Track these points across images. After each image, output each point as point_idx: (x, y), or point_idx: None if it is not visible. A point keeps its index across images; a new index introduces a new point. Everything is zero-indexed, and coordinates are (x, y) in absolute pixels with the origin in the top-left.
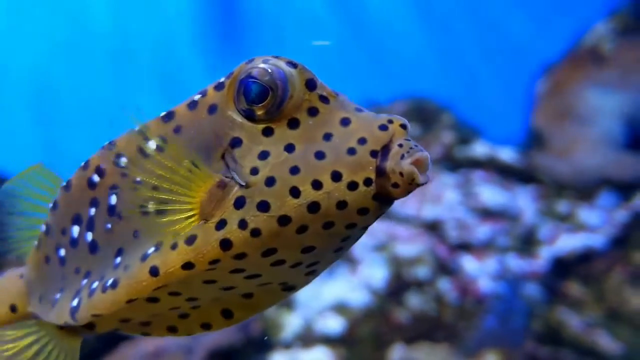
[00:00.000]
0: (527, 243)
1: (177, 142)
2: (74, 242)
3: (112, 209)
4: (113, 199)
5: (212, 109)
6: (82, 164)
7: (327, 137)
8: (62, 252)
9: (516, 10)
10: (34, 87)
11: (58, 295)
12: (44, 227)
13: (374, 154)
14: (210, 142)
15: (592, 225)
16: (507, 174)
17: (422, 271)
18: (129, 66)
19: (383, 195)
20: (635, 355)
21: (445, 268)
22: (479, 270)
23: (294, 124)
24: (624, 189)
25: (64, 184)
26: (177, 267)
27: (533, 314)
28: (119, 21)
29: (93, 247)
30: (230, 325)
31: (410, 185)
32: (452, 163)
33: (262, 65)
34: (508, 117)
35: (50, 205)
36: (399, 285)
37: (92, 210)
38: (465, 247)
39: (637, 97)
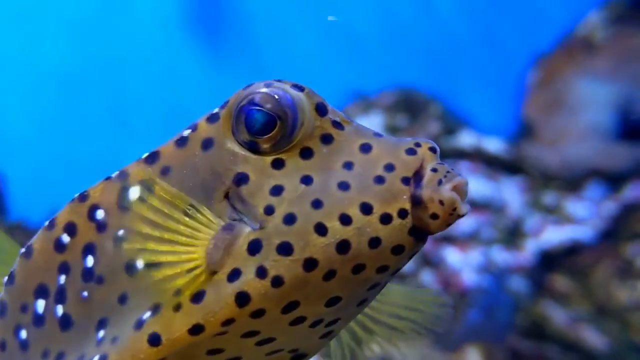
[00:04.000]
0: (512, 235)
1: (167, 184)
2: (38, 320)
3: (88, 273)
4: (89, 261)
5: (207, 144)
6: (46, 223)
7: (348, 166)
8: (24, 333)
9: None
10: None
11: None
12: None
13: (405, 181)
14: (209, 181)
15: (580, 218)
16: (493, 164)
17: None
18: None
19: (419, 229)
20: (621, 351)
21: (428, 260)
22: (463, 263)
23: (307, 153)
24: (613, 180)
25: (23, 249)
26: (184, 332)
27: (518, 308)
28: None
29: (65, 322)
30: None
31: (451, 216)
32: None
33: (265, 90)
34: (499, 108)
35: (5, 278)
36: None
37: (62, 278)
38: (449, 239)
39: (629, 87)
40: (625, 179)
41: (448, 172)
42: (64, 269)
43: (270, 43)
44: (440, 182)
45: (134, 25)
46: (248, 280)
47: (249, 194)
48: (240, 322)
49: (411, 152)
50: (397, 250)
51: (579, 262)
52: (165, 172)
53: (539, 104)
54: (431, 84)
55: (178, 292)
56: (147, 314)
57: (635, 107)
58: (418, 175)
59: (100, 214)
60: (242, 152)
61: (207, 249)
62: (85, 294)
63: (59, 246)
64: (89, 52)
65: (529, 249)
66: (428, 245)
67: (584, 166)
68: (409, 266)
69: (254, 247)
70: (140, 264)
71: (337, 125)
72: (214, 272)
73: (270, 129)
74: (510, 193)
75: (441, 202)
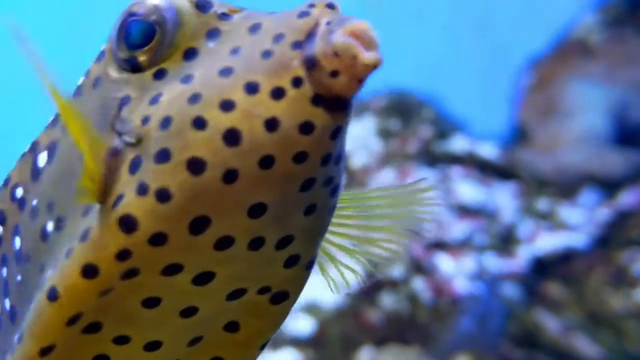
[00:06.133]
0: (505, 242)
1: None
2: None
3: (18, 256)
4: (17, 243)
5: (96, 83)
6: None
7: (234, 51)
8: None
9: (503, 1)
10: None
11: None
12: None
13: (296, 45)
14: (100, 120)
15: (574, 224)
16: (486, 170)
17: (396, 270)
18: None
19: (326, 96)
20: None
21: (419, 267)
22: (455, 270)
23: (190, 54)
24: (607, 187)
25: None
26: (76, 276)
27: (510, 315)
28: None
29: (13, 314)
30: None
31: (354, 66)
32: (430, 158)
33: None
34: (493, 113)
35: None
36: (372, 285)
37: (4, 271)
38: (441, 245)
39: (624, 92)
40: (620, 185)
41: (345, 19)
42: (4, 261)
43: None
44: (332, 32)
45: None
46: (130, 201)
47: (129, 112)
48: (142, 253)
49: (304, 14)
50: (306, 128)
51: (572, 269)
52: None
53: (533, 109)
54: (424, 87)
55: (71, 237)
56: (49, 272)
57: (631, 112)
58: (312, 36)
59: (19, 192)
60: (124, 75)
61: (102, 178)
62: (19, 277)
63: None
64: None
65: (522, 256)
66: (420, 252)
67: (578, 172)
68: (399, 273)
69: (135, 165)
70: (50, 226)
71: (224, 16)
72: (102, 204)
73: (150, 39)
74: (503, 199)
75: (335, 53)
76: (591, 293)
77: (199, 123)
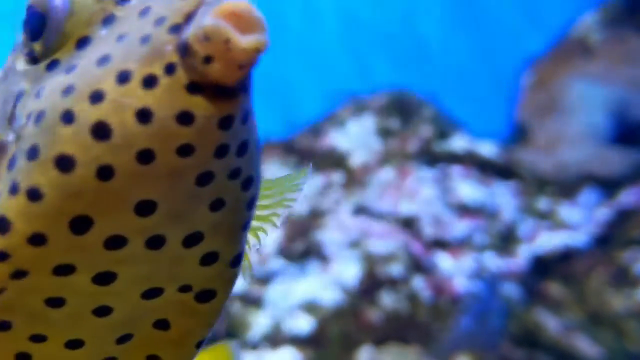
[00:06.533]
0: (505, 241)
1: None
2: None
3: None
4: None
5: (5, 75)
6: None
7: (120, 38)
8: None
9: (503, 1)
10: None
11: None
12: None
13: (174, 29)
14: (0, 115)
15: (574, 223)
16: (486, 169)
17: (396, 269)
18: None
19: (203, 83)
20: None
21: (419, 266)
22: (455, 269)
23: (83, 43)
24: (607, 186)
25: None
26: None
27: (511, 315)
28: None
29: None
30: None
31: (228, 51)
32: (431, 157)
33: None
34: (493, 111)
35: None
36: (371, 284)
37: None
38: (441, 244)
39: (624, 90)
40: (620, 184)
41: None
42: None
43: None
44: (205, 14)
45: None
46: (2, 201)
47: (21, 107)
48: (22, 254)
49: None
50: (184, 118)
51: (572, 269)
52: None
53: (533, 108)
54: (424, 86)
55: None
56: None
57: (630, 111)
58: (191, 18)
59: None
60: (24, 67)
61: None
62: None
63: None
64: None
65: (522, 255)
66: (420, 251)
67: (579, 171)
68: (399, 271)
69: (11, 163)
70: None
71: (122, 1)
72: None
73: (42, 29)
74: (504, 198)
75: (206, 37)
76: (591, 293)
77: (68, 117)
